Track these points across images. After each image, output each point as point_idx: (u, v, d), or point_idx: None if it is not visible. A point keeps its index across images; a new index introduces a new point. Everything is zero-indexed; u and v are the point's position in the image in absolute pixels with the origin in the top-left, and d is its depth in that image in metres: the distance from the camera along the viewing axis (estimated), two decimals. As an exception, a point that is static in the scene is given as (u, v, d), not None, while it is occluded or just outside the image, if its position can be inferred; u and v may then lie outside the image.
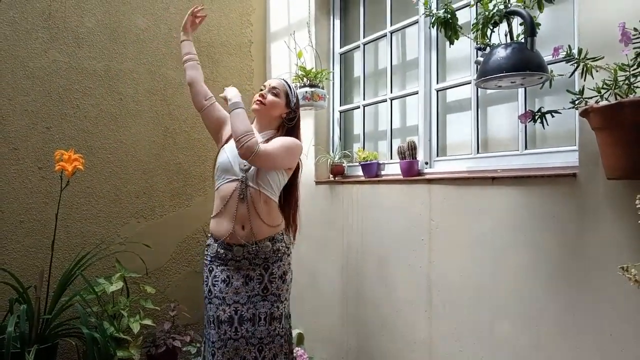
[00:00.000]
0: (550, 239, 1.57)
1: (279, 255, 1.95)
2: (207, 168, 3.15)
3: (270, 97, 1.97)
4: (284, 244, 1.98)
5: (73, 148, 2.49)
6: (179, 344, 2.70)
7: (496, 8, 1.44)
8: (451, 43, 1.63)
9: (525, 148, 1.79)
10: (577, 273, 1.49)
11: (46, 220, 2.67)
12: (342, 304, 2.58)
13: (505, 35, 1.49)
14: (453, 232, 1.93)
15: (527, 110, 1.55)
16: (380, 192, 2.34)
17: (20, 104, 2.65)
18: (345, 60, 2.93)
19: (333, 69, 2.90)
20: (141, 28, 2.98)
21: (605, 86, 1.26)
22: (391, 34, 2.52)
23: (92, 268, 2.69)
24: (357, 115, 2.78)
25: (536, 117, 1.47)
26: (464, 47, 2.02)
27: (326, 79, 2.61)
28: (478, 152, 2.00)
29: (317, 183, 2.81)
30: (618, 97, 1.23)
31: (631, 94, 1.22)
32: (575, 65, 1.34)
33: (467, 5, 2.00)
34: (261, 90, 2.01)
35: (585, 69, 1.33)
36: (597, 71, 1.32)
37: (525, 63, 1.35)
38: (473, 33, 1.54)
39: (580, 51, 1.33)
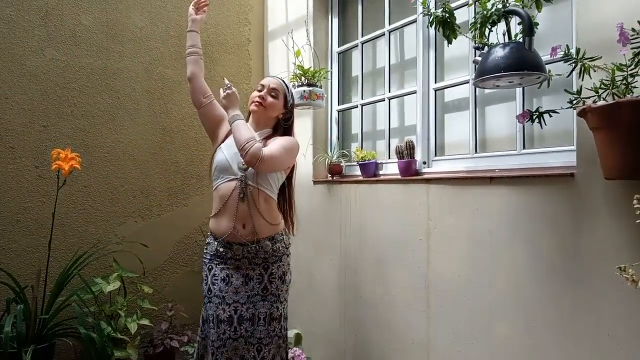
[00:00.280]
0: (548, 239, 1.57)
1: (279, 255, 1.95)
2: (204, 167, 3.14)
3: (270, 100, 1.96)
4: (283, 244, 1.98)
5: (70, 147, 2.49)
6: (176, 344, 2.70)
7: (494, 7, 1.45)
8: (449, 42, 1.63)
9: (523, 148, 1.79)
10: (575, 273, 1.49)
11: (43, 219, 2.66)
12: (339, 304, 2.58)
13: (504, 35, 1.49)
14: (451, 231, 1.93)
15: (525, 110, 1.54)
16: (378, 191, 2.33)
17: (16, 103, 2.64)
18: (344, 59, 2.92)
19: (331, 68, 2.89)
20: (139, 26, 2.97)
21: (603, 86, 1.26)
22: (389, 33, 2.51)
23: (89, 268, 2.68)
24: (355, 114, 2.78)
25: (534, 116, 1.47)
26: (462, 47, 2.02)
27: (324, 78, 2.61)
28: (476, 152, 2.00)
29: (315, 182, 2.81)
30: (616, 97, 1.23)
31: (629, 94, 1.22)
32: (573, 65, 1.34)
33: (466, 4, 1.99)
34: (259, 90, 2.00)
35: (583, 68, 1.33)
36: (595, 71, 1.32)
37: (523, 63, 1.35)
38: (471, 32, 1.53)
39: (578, 51, 1.33)
